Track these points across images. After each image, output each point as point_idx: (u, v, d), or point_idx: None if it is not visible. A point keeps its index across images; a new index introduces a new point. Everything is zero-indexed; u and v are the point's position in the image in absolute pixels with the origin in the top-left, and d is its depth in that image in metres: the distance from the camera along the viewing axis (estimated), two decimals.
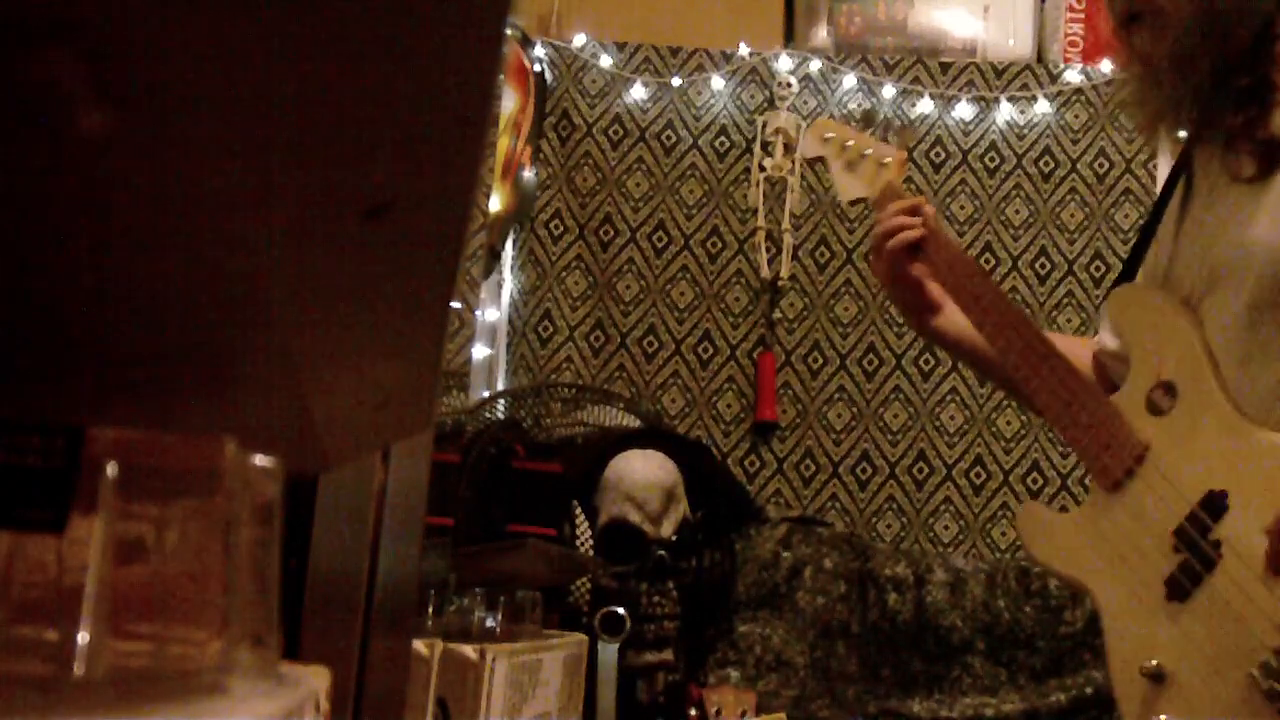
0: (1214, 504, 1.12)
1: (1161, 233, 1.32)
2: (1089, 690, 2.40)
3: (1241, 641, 1.06)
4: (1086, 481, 2.89)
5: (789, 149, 3.05)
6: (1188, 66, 1.19)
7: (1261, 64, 1.18)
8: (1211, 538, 1.11)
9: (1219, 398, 1.15)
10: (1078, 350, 1.43)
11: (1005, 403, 2.96)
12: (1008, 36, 3.18)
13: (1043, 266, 3.04)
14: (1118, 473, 1.20)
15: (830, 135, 1.65)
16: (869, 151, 1.58)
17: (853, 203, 1.63)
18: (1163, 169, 1.37)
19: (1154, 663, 1.11)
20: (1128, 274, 1.35)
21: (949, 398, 2.98)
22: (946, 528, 2.93)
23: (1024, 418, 2.95)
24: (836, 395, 3.01)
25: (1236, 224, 1.17)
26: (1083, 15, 3.14)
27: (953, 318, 1.42)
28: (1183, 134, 1.30)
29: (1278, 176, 1.15)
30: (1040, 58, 3.18)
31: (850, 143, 1.61)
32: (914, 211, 1.43)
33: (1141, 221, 2.99)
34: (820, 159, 1.66)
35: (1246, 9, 1.17)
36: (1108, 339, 1.38)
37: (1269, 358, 1.15)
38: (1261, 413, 1.13)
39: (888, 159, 1.56)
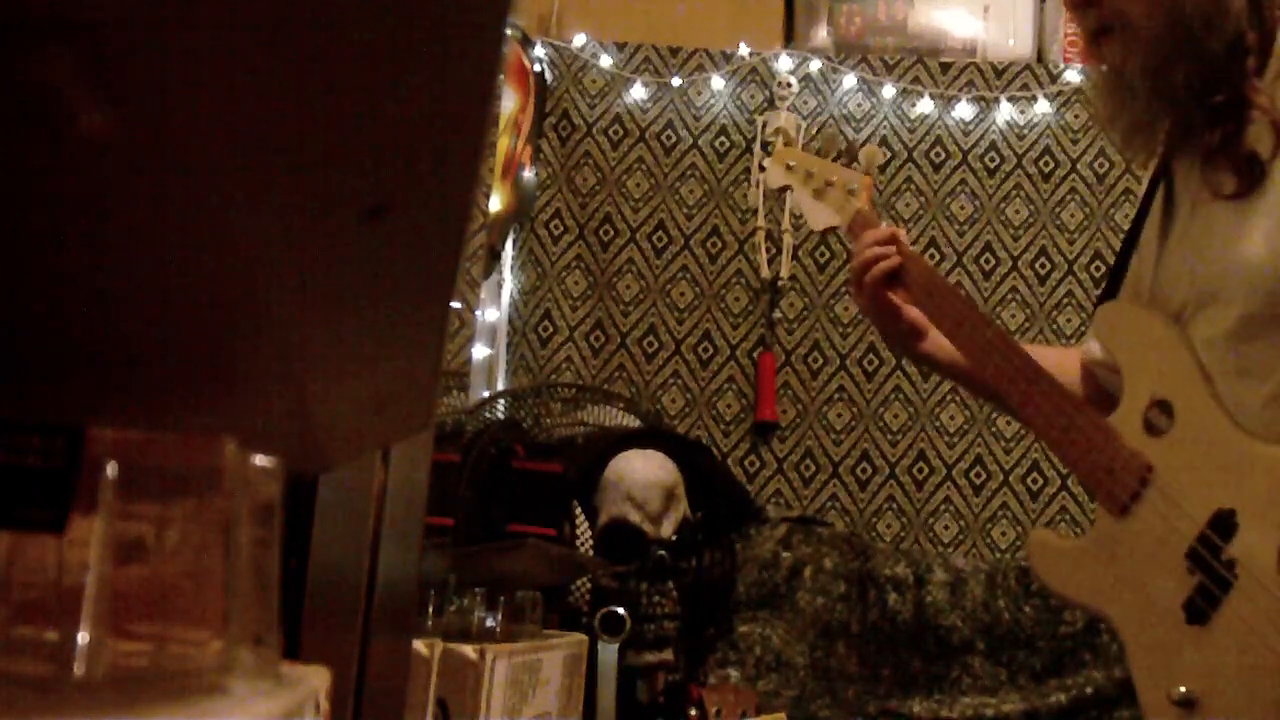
0: (1223, 523, 1.10)
1: (1144, 244, 1.31)
2: (1089, 690, 2.40)
3: (1266, 661, 1.05)
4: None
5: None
6: (1160, 79, 1.18)
7: (1235, 79, 1.17)
8: (1224, 558, 1.09)
9: (1216, 414, 1.14)
10: (1066, 361, 1.42)
11: None
12: (1008, 36, 3.18)
13: (1043, 266, 3.04)
14: (1123, 497, 1.18)
15: (793, 164, 1.64)
16: (835, 178, 1.58)
17: (824, 231, 1.63)
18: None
19: (1182, 690, 1.09)
20: (1111, 288, 1.33)
21: (949, 398, 2.98)
22: (946, 528, 2.93)
23: None
24: (836, 395, 3.01)
25: (1224, 239, 1.16)
26: None
27: (939, 342, 1.42)
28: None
29: (1262, 191, 1.14)
30: (1040, 58, 3.18)
31: (814, 170, 1.61)
32: (888, 240, 1.43)
33: None
34: (786, 188, 1.66)
35: (1217, 21, 1.16)
36: (1095, 348, 1.36)
37: (1263, 371, 1.14)
38: (1260, 426, 1.12)
39: (855, 185, 1.56)
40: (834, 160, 1.61)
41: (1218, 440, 1.14)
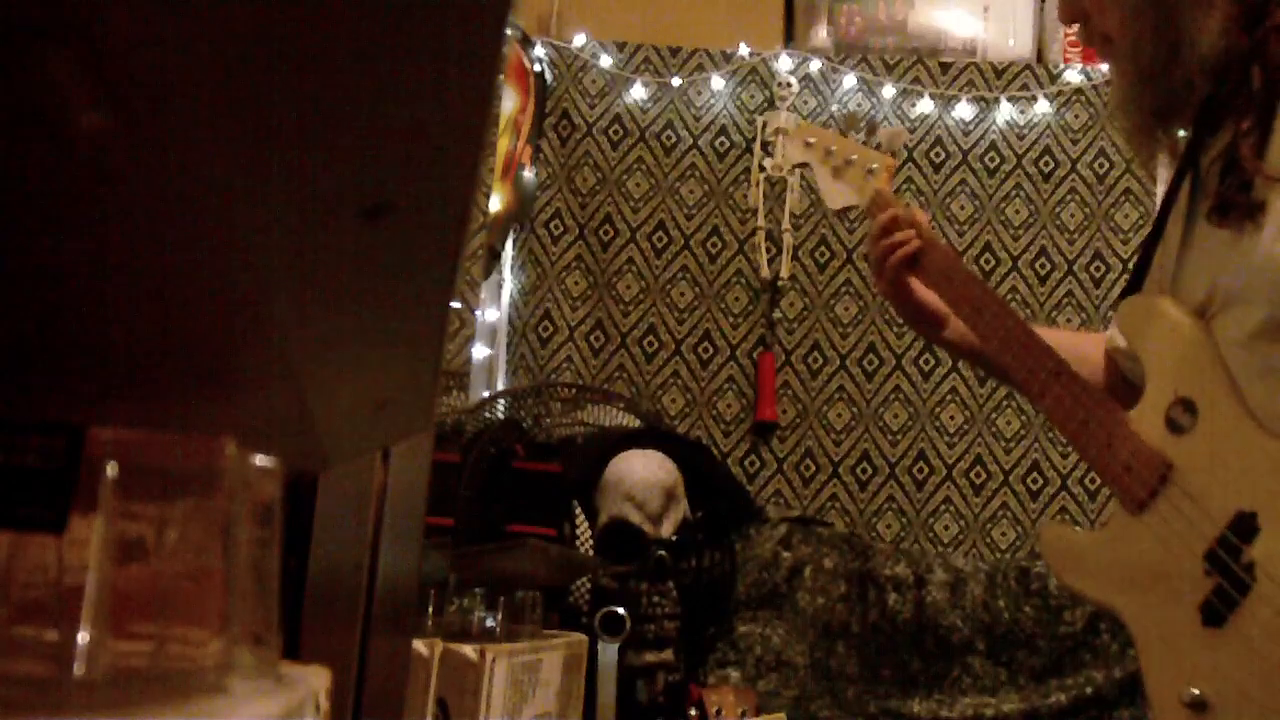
0: (1243, 525, 1.08)
1: (1167, 238, 1.30)
2: (1089, 690, 2.40)
3: None
4: (1086, 482, 2.89)
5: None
6: (1137, 94, 1.20)
7: (1218, 118, 1.18)
8: (1243, 560, 1.07)
9: (1240, 414, 1.12)
10: (1089, 348, 1.40)
11: (1005, 403, 2.96)
12: (1008, 36, 3.18)
13: (1043, 266, 3.04)
14: (1141, 494, 1.17)
15: (813, 141, 1.62)
16: (854, 157, 1.56)
17: (841, 211, 1.61)
18: (1162, 168, 1.37)
19: (1195, 692, 1.08)
20: (1136, 282, 1.32)
21: (949, 398, 2.98)
22: (946, 528, 2.93)
23: (1024, 418, 2.95)
24: (836, 395, 3.01)
25: (1249, 241, 1.15)
26: None
27: (959, 328, 1.40)
28: (1183, 133, 1.29)
29: None
30: (1040, 58, 3.18)
31: (833, 148, 1.59)
32: (909, 223, 1.41)
33: (1141, 222, 2.99)
34: (804, 164, 1.64)
35: (1176, 55, 1.17)
36: (1119, 337, 1.36)
37: None
38: None
39: (875, 165, 1.54)
40: (854, 139, 1.60)
41: (1241, 441, 1.12)
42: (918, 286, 1.41)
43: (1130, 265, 2.30)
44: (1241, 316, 1.15)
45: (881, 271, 1.41)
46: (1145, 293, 1.29)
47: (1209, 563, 1.10)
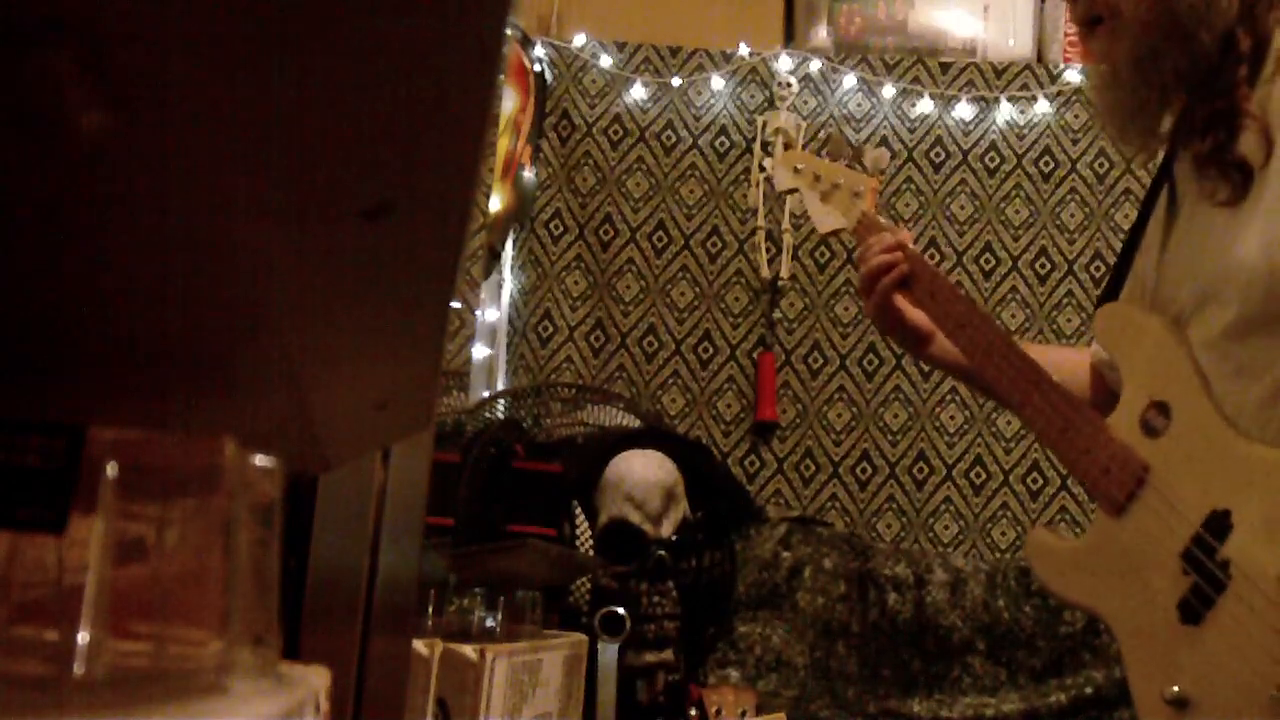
0: (1217, 524, 1.10)
1: (1148, 244, 1.32)
2: (1089, 690, 2.40)
3: (1259, 663, 1.05)
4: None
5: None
6: (1147, 69, 1.20)
7: (1226, 81, 1.18)
8: (1219, 558, 1.09)
9: (1212, 415, 1.15)
10: (1075, 362, 1.43)
11: None
12: (1008, 36, 3.18)
13: (1043, 266, 3.04)
14: (1119, 497, 1.19)
15: (801, 167, 1.66)
16: (841, 181, 1.60)
17: (830, 234, 1.64)
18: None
19: (1175, 689, 1.09)
20: (1112, 289, 1.34)
21: (949, 398, 2.98)
22: (946, 528, 2.93)
23: None
24: (836, 395, 3.01)
25: (1221, 241, 1.17)
26: None
27: (944, 344, 1.43)
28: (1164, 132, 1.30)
29: (1257, 193, 1.15)
30: (1040, 58, 3.18)
31: (821, 173, 1.63)
32: (895, 246, 1.44)
33: None
34: (794, 191, 1.67)
35: (1207, 15, 1.17)
36: (1103, 350, 1.37)
37: (1258, 370, 1.14)
38: (1255, 427, 1.13)
39: (860, 188, 1.57)
40: (840, 163, 1.62)
41: (1213, 442, 1.14)
42: (904, 305, 1.44)
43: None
44: (1213, 316, 1.17)
45: (870, 293, 1.44)
46: (1121, 300, 1.32)
47: (1185, 562, 1.12)
